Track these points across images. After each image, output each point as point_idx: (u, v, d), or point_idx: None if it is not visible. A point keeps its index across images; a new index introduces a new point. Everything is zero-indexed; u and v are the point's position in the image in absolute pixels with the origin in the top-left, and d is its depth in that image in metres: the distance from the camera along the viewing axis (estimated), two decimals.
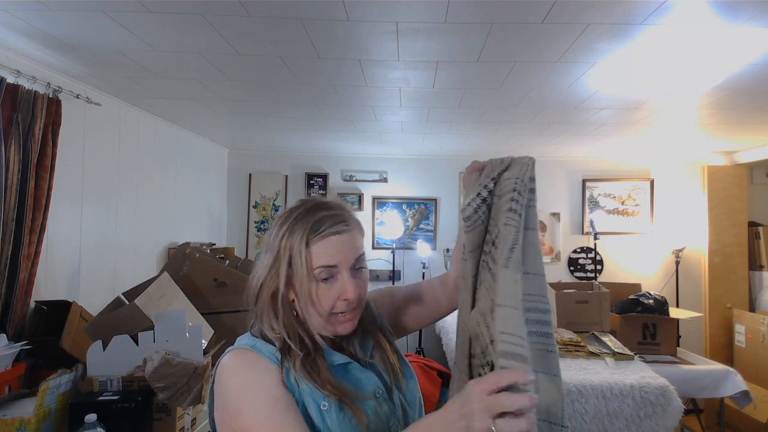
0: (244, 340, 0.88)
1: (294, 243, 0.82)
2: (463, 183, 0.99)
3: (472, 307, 0.85)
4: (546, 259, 4.47)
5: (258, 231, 4.49)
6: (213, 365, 1.80)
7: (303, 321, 0.87)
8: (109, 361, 1.60)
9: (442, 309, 1.09)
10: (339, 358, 0.87)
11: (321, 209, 0.86)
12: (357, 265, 0.86)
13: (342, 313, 0.84)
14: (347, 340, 0.91)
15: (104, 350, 1.60)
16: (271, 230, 0.89)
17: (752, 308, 4.12)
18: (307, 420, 0.78)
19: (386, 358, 0.92)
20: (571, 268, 4.46)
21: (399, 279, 4.42)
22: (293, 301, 0.87)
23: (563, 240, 4.48)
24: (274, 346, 0.85)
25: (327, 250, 0.82)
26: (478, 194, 0.85)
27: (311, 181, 4.52)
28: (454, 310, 1.08)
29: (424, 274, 4.36)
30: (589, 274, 4.40)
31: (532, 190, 0.81)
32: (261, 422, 0.75)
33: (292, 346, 0.83)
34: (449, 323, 3.36)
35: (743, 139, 3.64)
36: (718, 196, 4.21)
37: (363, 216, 4.50)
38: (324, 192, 4.50)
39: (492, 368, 0.76)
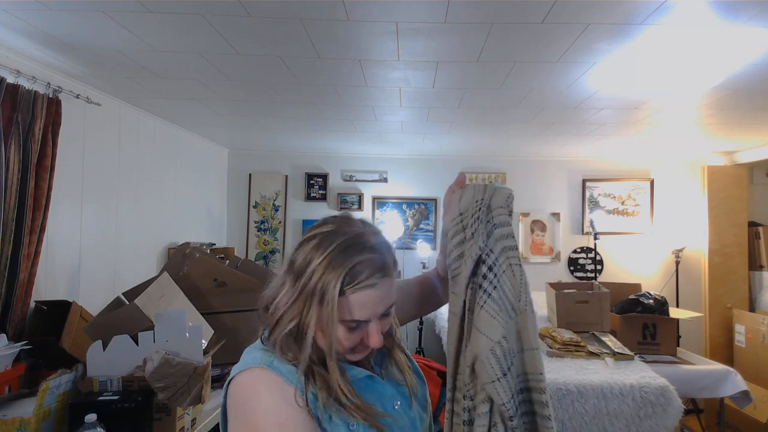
0: (257, 354, 0.82)
1: (328, 286, 0.75)
2: (444, 200, 0.99)
3: (461, 335, 0.86)
4: (546, 259, 4.47)
5: (258, 231, 4.49)
6: (213, 365, 1.81)
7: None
8: (109, 361, 1.59)
9: (412, 314, 1.10)
10: (358, 372, 0.84)
11: (363, 250, 0.78)
12: (387, 312, 0.81)
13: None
14: None
15: (104, 350, 1.60)
16: (301, 247, 0.81)
17: (752, 308, 4.12)
18: None
19: (402, 372, 0.90)
20: (571, 268, 4.46)
21: (399, 279, 4.42)
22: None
23: (563, 240, 4.48)
24: (292, 365, 0.80)
25: (361, 305, 0.77)
26: (466, 226, 0.89)
27: (311, 181, 4.52)
28: (425, 314, 1.17)
29: None
30: (589, 274, 4.40)
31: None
32: None
33: (317, 373, 0.79)
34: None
35: (743, 139, 3.64)
36: (718, 196, 4.21)
37: (363, 216, 4.50)
38: (324, 192, 4.50)
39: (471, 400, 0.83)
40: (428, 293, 1.10)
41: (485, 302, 0.82)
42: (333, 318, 0.75)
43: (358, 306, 0.76)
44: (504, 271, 0.84)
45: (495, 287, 0.83)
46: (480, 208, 0.88)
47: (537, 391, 0.82)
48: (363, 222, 0.85)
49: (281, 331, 0.80)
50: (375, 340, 0.79)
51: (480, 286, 0.84)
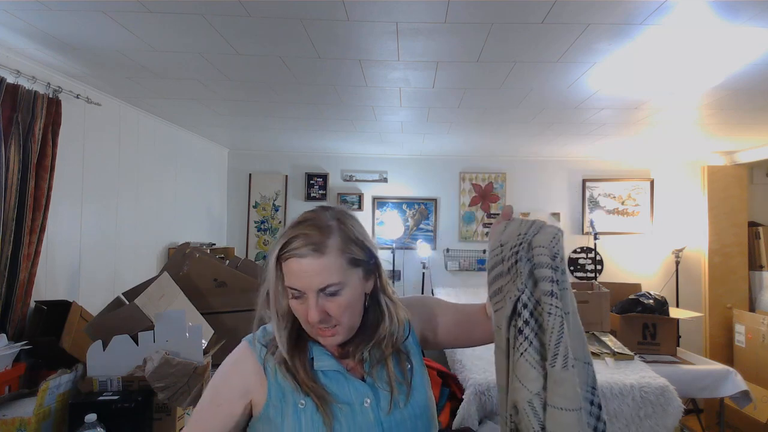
0: (259, 330, 0.95)
1: (272, 251, 0.86)
2: (491, 230, 0.94)
3: (508, 374, 0.82)
4: None
5: (258, 231, 4.49)
6: (212, 365, 1.80)
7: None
8: (109, 361, 1.60)
9: (474, 341, 1.07)
10: (328, 365, 0.89)
11: (306, 227, 0.85)
12: (328, 291, 0.83)
13: (321, 326, 0.84)
14: (355, 348, 0.91)
15: (104, 350, 1.60)
16: None
17: (752, 308, 4.12)
18: (278, 421, 0.85)
19: (387, 377, 0.90)
20: (571, 268, 4.46)
21: (399, 279, 4.42)
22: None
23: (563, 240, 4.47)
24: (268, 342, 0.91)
25: (293, 273, 0.83)
26: (504, 258, 0.83)
27: (311, 181, 4.52)
28: (486, 344, 1.06)
29: (424, 274, 4.36)
30: (589, 274, 4.40)
31: (564, 271, 0.81)
32: (195, 410, 0.89)
33: (278, 342, 0.88)
34: None
35: (743, 139, 3.64)
36: (718, 196, 4.21)
37: (363, 216, 4.50)
38: (324, 192, 4.50)
39: None
40: (478, 324, 1.05)
41: (526, 350, 0.77)
42: (271, 278, 0.86)
43: (289, 273, 0.84)
44: (543, 320, 0.78)
45: (536, 334, 0.78)
46: (521, 243, 0.81)
47: None
48: (336, 210, 0.91)
49: (262, 296, 0.90)
50: (311, 314, 0.83)
51: (521, 331, 0.78)
